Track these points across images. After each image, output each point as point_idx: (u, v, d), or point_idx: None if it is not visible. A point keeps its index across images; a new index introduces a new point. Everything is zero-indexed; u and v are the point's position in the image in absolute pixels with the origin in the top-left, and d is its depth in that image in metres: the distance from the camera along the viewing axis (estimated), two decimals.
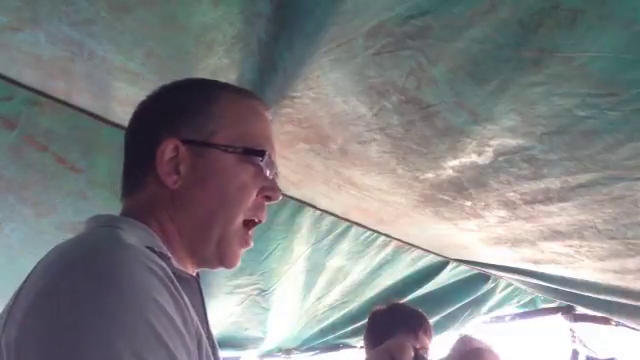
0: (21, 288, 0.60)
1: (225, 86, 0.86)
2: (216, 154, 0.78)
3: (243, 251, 0.82)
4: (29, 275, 0.62)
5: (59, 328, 0.52)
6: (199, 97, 0.82)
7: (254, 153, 0.79)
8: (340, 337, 2.59)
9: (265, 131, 0.84)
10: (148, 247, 0.66)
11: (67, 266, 0.58)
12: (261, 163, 0.79)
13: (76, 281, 0.55)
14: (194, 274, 0.79)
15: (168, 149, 0.76)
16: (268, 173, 0.81)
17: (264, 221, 0.84)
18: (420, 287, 2.36)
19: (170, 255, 0.71)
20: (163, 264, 0.62)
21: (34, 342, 0.53)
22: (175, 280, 0.62)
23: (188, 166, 0.77)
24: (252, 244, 0.83)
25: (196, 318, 0.64)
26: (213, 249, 0.78)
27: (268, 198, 0.83)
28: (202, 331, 0.65)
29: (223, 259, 0.80)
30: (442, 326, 2.52)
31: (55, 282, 0.56)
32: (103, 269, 0.56)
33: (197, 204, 0.77)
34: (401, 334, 1.57)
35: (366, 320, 2.41)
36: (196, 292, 0.73)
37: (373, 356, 0.88)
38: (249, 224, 0.81)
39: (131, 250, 0.60)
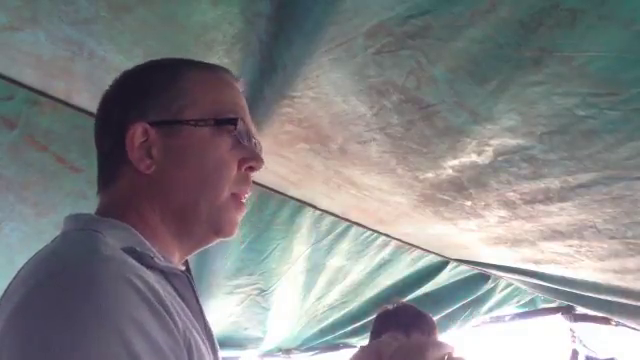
0: (1, 299, 0.60)
1: (190, 62, 0.82)
2: (188, 130, 0.74)
3: (240, 217, 0.79)
4: (9, 285, 0.61)
5: (32, 347, 0.51)
6: (163, 76, 0.78)
7: (226, 122, 0.76)
8: (340, 337, 2.59)
9: (236, 99, 0.80)
10: (129, 248, 0.64)
11: (43, 281, 0.56)
12: (235, 132, 0.76)
13: (50, 298, 0.54)
14: (183, 268, 0.76)
15: (137, 133, 0.73)
16: (245, 142, 0.78)
17: (249, 194, 0.80)
18: (420, 287, 2.36)
19: (154, 252, 0.68)
20: (145, 272, 0.60)
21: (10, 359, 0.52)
22: (157, 289, 0.59)
23: (160, 148, 0.74)
24: (245, 209, 0.80)
25: (182, 322, 0.61)
26: (205, 225, 0.75)
27: (251, 168, 0.79)
28: (193, 333, 0.63)
29: (219, 230, 0.76)
30: (442, 326, 2.51)
31: (29, 299, 0.55)
32: (78, 285, 0.54)
33: (176, 185, 0.74)
34: (392, 333, 1.55)
35: (366, 320, 2.42)
36: (188, 287, 0.71)
37: (359, 354, 0.87)
38: (236, 197, 0.78)
39: (109, 263, 0.58)
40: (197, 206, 0.74)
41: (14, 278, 0.62)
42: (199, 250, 0.81)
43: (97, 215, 0.73)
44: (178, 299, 0.66)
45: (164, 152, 0.74)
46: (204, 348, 0.65)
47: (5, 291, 0.61)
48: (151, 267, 0.64)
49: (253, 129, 0.82)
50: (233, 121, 0.76)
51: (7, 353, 0.52)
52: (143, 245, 0.68)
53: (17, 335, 0.52)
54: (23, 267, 0.63)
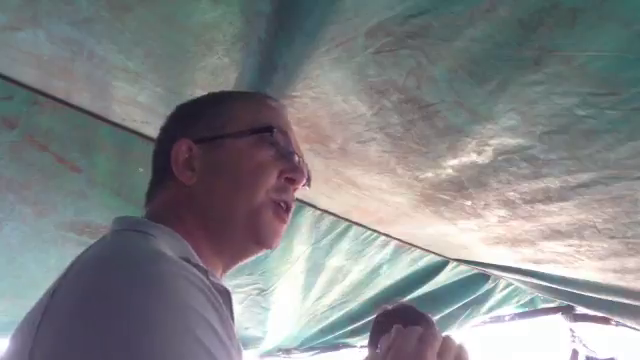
0: (54, 292, 0.57)
1: (237, 92, 0.91)
2: (228, 143, 0.79)
3: (283, 228, 0.80)
4: (61, 279, 0.59)
5: (105, 341, 0.49)
6: (209, 103, 0.85)
7: (263, 130, 0.79)
8: (340, 337, 2.59)
9: (278, 117, 0.85)
10: (184, 257, 0.64)
11: (107, 274, 0.55)
12: (272, 139, 0.79)
13: (119, 291, 0.53)
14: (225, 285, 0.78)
15: (182, 149, 0.78)
16: (286, 153, 0.81)
17: (293, 206, 0.82)
18: (420, 287, 2.36)
19: (206, 268, 0.68)
20: (203, 277, 0.60)
21: (79, 354, 0.50)
22: (217, 294, 0.60)
23: (202, 161, 0.78)
24: (288, 222, 0.81)
25: (234, 335, 0.63)
26: (243, 231, 0.77)
27: (291, 180, 0.81)
28: (239, 345, 0.64)
29: (259, 236, 0.78)
30: (442, 326, 2.52)
31: (96, 290, 0.54)
32: (147, 280, 0.54)
33: (214, 193, 0.77)
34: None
35: (366, 320, 2.42)
36: (228, 304, 0.72)
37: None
38: (278, 206, 0.80)
39: (173, 263, 0.59)
40: (234, 210, 0.76)
41: (65, 275, 0.60)
42: (241, 263, 0.81)
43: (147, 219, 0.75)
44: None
45: (205, 165, 0.78)
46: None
47: (56, 287, 0.58)
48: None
49: (299, 147, 0.86)
50: (270, 129, 0.80)
51: (77, 347, 0.50)
52: (194, 257, 0.69)
53: (87, 329, 0.51)
54: (75, 263, 0.62)
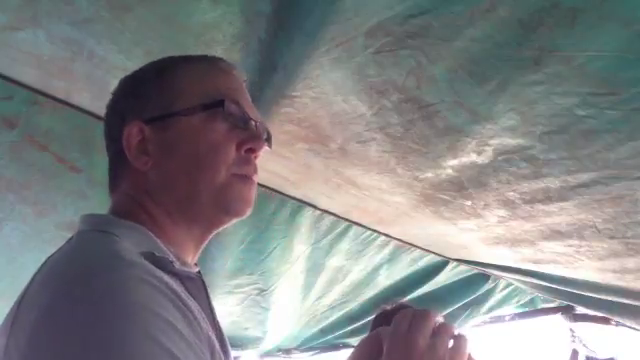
0: (20, 301, 0.59)
1: (181, 57, 0.83)
2: (180, 122, 0.75)
3: (253, 192, 0.78)
4: (27, 288, 0.60)
5: (63, 354, 0.50)
6: (152, 75, 0.80)
7: (214, 105, 0.75)
8: (340, 337, 2.59)
9: (227, 83, 0.80)
10: (147, 252, 0.64)
11: (66, 286, 0.56)
12: (224, 113, 0.76)
13: (77, 304, 0.53)
14: (197, 269, 0.77)
15: (133, 133, 0.74)
16: (241, 123, 0.77)
17: (255, 178, 0.79)
18: (420, 287, 2.36)
19: (172, 258, 0.68)
20: (165, 277, 0.60)
21: None
22: (180, 294, 0.60)
23: (155, 143, 0.74)
24: (254, 186, 0.78)
25: (205, 326, 0.62)
26: (209, 208, 0.75)
27: (251, 150, 0.78)
28: (213, 337, 0.63)
29: (228, 208, 0.75)
30: None
31: (59, 303, 0.54)
32: (104, 289, 0.54)
33: (172, 176, 0.74)
34: None
35: (366, 320, 2.42)
36: (201, 290, 0.71)
37: (361, 343, 0.86)
38: (243, 177, 0.77)
39: (132, 268, 0.58)
40: (196, 191, 0.74)
41: (31, 282, 0.61)
42: (213, 234, 0.80)
43: (113, 215, 0.74)
44: (195, 302, 0.66)
45: (159, 147, 0.74)
46: (219, 352, 0.65)
47: (23, 295, 0.60)
48: (168, 271, 0.64)
49: (253, 111, 0.81)
50: (219, 103, 0.76)
51: (40, 356, 0.51)
52: (160, 249, 0.68)
53: (46, 342, 0.52)
54: (40, 270, 0.62)
